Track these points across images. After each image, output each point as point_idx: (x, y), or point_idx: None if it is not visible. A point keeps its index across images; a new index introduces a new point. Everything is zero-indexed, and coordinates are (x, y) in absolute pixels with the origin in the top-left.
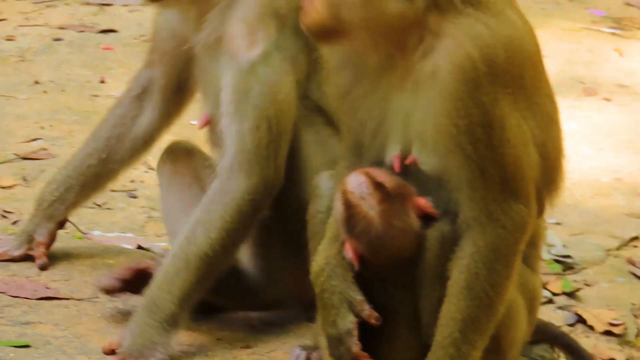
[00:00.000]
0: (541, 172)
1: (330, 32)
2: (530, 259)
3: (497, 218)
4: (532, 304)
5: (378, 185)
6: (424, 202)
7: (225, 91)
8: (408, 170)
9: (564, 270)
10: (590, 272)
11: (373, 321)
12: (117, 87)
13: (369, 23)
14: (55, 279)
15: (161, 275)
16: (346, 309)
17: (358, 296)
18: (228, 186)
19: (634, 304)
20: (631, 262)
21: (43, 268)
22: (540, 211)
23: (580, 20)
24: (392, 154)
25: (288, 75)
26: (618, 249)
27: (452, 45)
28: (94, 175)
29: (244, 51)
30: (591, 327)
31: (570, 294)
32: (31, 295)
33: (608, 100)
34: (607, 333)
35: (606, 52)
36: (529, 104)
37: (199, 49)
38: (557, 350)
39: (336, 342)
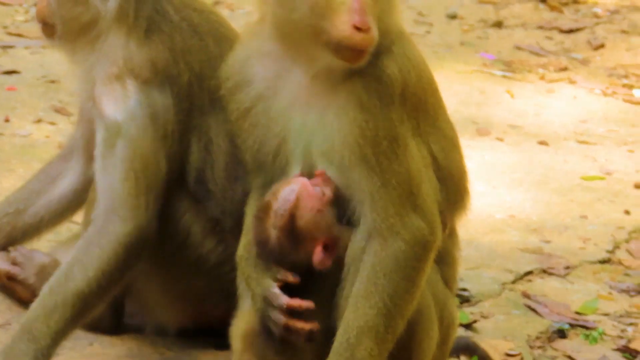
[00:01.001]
0: (446, 194)
1: None
2: (448, 279)
3: (398, 231)
4: (448, 332)
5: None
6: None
7: (97, 148)
8: None
9: (460, 303)
10: (486, 305)
11: (291, 279)
12: (22, 125)
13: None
14: None
15: (39, 307)
16: (264, 276)
17: (272, 264)
18: (105, 229)
19: (529, 335)
20: (526, 295)
21: None
22: (445, 228)
23: (472, 63)
24: (294, 173)
25: (149, 131)
26: (513, 282)
27: (373, 64)
28: (9, 224)
29: (108, 109)
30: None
31: (467, 326)
32: None
33: (501, 140)
34: None
35: (498, 94)
36: (433, 128)
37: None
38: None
39: (265, 308)
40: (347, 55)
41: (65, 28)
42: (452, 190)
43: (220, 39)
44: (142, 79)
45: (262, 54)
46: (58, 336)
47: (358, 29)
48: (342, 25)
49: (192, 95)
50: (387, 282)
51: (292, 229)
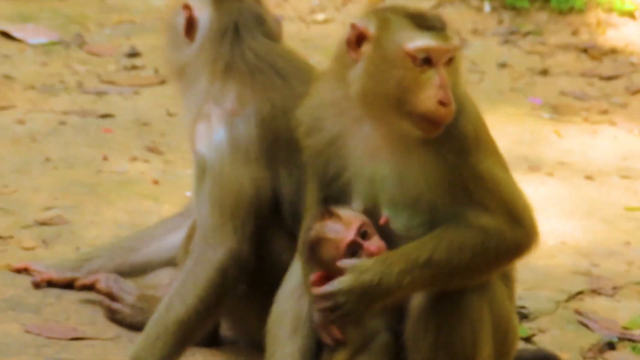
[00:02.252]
0: None
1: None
2: (510, 297)
3: (502, 229)
4: (512, 345)
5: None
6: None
7: (192, 185)
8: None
9: (520, 319)
10: (543, 321)
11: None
12: (119, 163)
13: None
14: (83, 322)
15: (144, 338)
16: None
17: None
18: (200, 258)
19: (582, 347)
20: (578, 312)
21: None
22: None
23: (522, 107)
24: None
25: (230, 158)
26: (566, 301)
27: (450, 125)
28: (120, 257)
29: (198, 146)
30: None
31: (527, 339)
32: (63, 336)
33: (551, 175)
34: None
35: (546, 135)
36: (497, 159)
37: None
38: None
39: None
40: (427, 127)
41: (170, 71)
42: None
43: (307, 80)
44: (226, 113)
45: (335, 104)
46: None
47: (442, 103)
48: (428, 100)
49: (276, 127)
50: (471, 253)
51: (316, 254)
